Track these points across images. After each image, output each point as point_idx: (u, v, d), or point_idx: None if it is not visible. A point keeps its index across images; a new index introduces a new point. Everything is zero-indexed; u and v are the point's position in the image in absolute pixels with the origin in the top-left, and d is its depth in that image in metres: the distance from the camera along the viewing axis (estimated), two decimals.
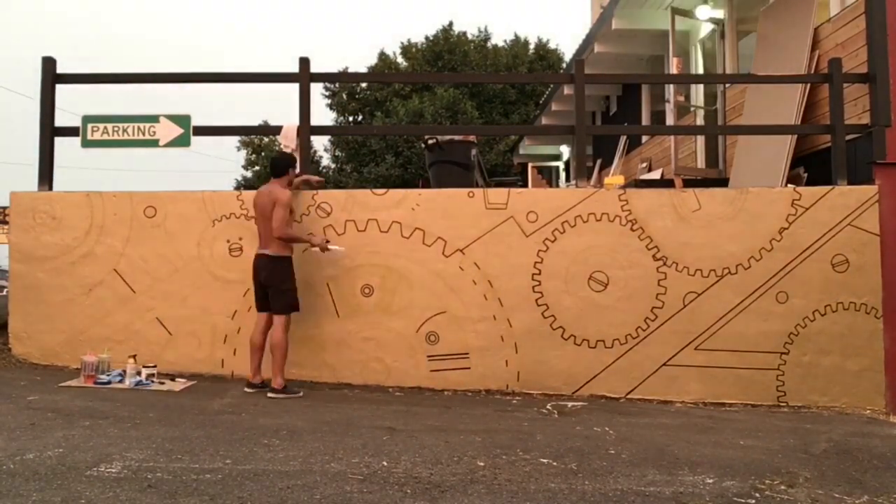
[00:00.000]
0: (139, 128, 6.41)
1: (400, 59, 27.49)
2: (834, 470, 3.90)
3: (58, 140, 6.53)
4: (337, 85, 27.27)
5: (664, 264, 5.94)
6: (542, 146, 18.73)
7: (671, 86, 9.69)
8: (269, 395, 5.34)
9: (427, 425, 4.60)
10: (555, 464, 3.78)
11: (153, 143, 6.41)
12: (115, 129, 6.42)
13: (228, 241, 6.05)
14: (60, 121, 6.59)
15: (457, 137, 7.71)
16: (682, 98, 9.74)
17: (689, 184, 7.88)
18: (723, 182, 8.06)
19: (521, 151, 19.52)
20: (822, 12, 7.43)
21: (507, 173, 19.93)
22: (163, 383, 5.52)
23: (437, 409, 5.24)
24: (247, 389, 5.47)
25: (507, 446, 4.08)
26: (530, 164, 17.78)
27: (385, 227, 6.04)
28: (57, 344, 6.05)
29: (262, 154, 30.69)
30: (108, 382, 5.47)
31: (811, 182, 6.86)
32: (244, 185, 30.56)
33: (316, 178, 6.28)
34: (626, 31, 10.44)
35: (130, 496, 3.06)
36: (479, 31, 28.13)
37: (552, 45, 27.94)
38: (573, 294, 5.94)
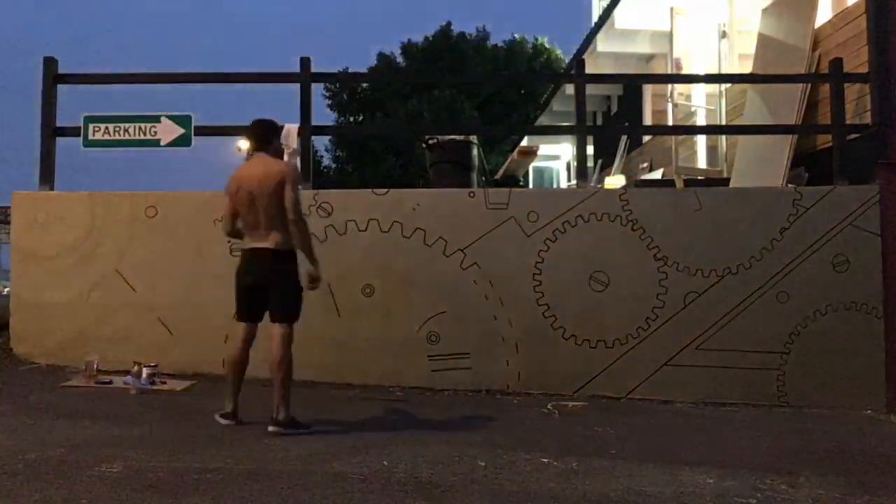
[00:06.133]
0: (140, 128, 6.40)
1: (400, 60, 27.51)
2: (834, 470, 3.90)
3: None
4: (337, 85, 27.30)
5: (665, 264, 5.94)
6: (543, 146, 18.69)
7: (672, 85, 9.67)
8: (274, 429, 4.15)
9: (428, 425, 4.60)
10: (556, 463, 3.78)
11: (154, 143, 6.40)
12: (117, 129, 6.41)
13: (229, 241, 6.04)
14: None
15: (457, 137, 7.70)
16: (683, 98, 9.72)
17: (690, 183, 7.88)
18: (724, 182, 8.05)
19: None
20: (822, 12, 7.43)
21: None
22: (164, 383, 5.51)
23: (438, 408, 5.25)
24: (227, 422, 4.29)
25: (508, 446, 4.08)
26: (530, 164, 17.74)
27: (386, 226, 6.04)
28: (58, 344, 6.04)
29: None
30: (110, 382, 5.47)
31: (812, 182, 6.85)
32: None
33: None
34: (627, 30, 10.43)
35: (132, 496, 3.07)
36: (478, 31, 28.15)
37: (551, 45, 28.00)
38: (574, 294, 5.94)
